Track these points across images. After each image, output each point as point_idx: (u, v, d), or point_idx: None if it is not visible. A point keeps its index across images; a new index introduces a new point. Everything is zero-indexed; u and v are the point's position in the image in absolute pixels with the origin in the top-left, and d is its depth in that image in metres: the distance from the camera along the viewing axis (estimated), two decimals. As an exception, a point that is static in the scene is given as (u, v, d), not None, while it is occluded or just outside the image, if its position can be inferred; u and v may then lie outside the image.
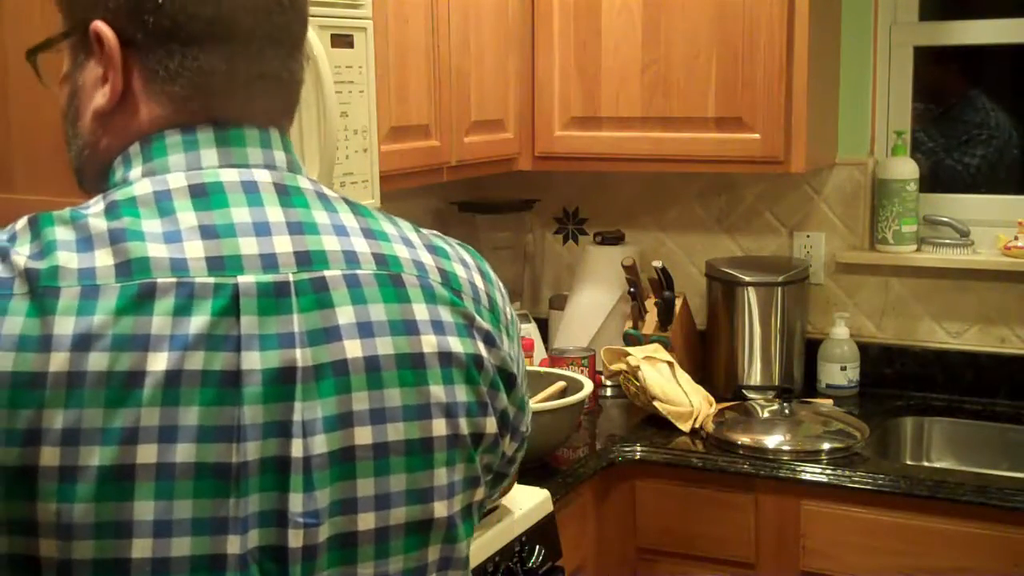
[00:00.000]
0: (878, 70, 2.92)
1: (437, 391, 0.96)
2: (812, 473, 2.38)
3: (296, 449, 0.90)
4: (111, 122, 0.98)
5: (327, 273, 0.93)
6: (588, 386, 2.42)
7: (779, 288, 2.83)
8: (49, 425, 0.84)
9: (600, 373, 2.81)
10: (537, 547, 2.04)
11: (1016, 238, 2.77)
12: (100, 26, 0.95)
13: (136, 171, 0.95)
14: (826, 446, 2.45)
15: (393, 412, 0.94)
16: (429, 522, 0.96)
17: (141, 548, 0.85)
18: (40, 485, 0.84)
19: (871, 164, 2.92)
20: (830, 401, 2.79)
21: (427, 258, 1.00)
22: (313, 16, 1.93)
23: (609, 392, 2.88)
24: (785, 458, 2.43)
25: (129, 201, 0.91)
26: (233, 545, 0.88)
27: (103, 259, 0.87)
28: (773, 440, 2.48)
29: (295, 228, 0.94)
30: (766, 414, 2.61)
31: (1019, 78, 3.02)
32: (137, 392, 0.85)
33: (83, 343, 0.84)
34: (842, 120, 2.93)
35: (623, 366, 2.68)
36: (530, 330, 2.96)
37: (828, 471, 2.38)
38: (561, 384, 2.45)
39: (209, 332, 0.87)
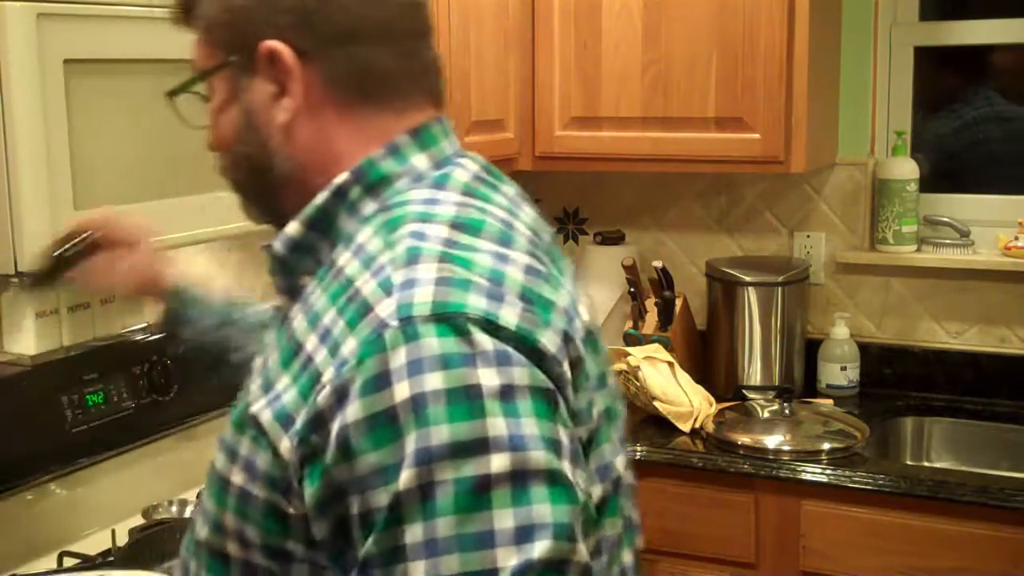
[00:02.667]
0: (878, 70, 2.92)
1: None
2: (812, 473, 2.38)
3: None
4: (298, 133, 1.03)
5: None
6: (588, 386, 2.42)
7: (779, 288, 2.83)
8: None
9: (600, 373, 2.81)
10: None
11: (1016, 238, 2.77)
12: (274, 44, 1.01)
13: (421, 157, 1.04)
14: (826, 446, 2.45)
15: None
16: None
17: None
18: (612, 414, 1.02)
19: (871, 164, 2.92)
20: (830, 401, 2.79)
21: None
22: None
23: (609, 392, 2.87)
24: (785, 458, 2.43)
25: (469, 187, 1.02)
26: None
27: (525, 230, 1.01)
28: (773, 440, 2.48)
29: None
30: (766, 414, 2.61)
31: (1020, 77, 3.02)
32: (594, 341, 1.01)
33: (576, 292, 1.01)
34: (842, 120, 2.93)
35: (623, 366, 2.68)
36: (530, 330, 2.95)
37: (828, 471, 2.38)
38: (561, 384, 2.45)
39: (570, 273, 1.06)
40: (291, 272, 1.05)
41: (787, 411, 2.59)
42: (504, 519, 0.82)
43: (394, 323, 0.86)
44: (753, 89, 2.62)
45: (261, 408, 0.94)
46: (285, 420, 0.90)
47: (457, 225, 0.95)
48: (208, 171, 1.76)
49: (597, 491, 0.96)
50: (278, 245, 1.05)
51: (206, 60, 1.07)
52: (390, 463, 0.83)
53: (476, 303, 0.88)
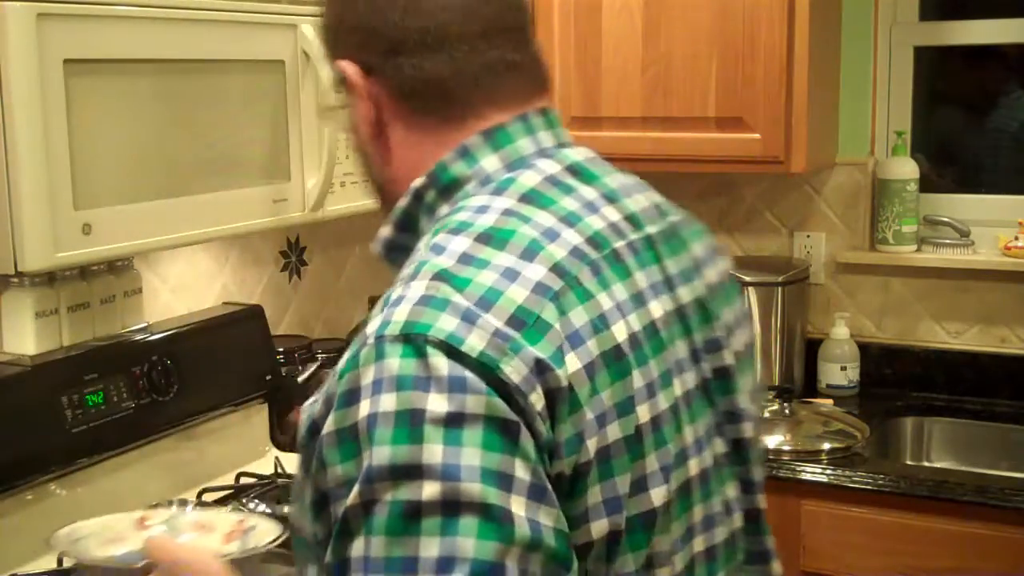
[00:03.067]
0: (878, 70, 2.92)
1: None
2: (812, 473, 2.38)
3: (728, 358, 1.09)
4: (381, 144, 1.09)
5: (672, 219, 1.13)
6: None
7: (779, 288, 2.83)
8: (639, 384, 0.96)
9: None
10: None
11: (1016, 238, 2.77)
12: (342, 64, 1.08)
13: (491, 159, 1.04)
14: (826, 446, 2.45)
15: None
16: None
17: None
18: (645, 442, 0.96)
19: (871, 164, 2.92)
20: (830, 401, 2.79)
21: None
22: (314, 16, 1.94)
23: (609, 392, 2.87)
24: (785, 458, 2.43)
25: (532, 192, 1.01)
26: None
27: (574, 238, 0.98)
28: (773, 440, 2.48)
29: (640, 187, 1.12)
30: (766, 414, 2.60)
31: (1019, 77, 3.02)
32: (663, 335, 1.01)
33: (632, 304, 0.99)
34: (842, 120, 2.93)
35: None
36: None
37: (828, 471, 2.38)
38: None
39: (661, 278, 1.04)
40: (388, 265, 1.10)
41: (787, 411, 2.59)
42: (429, 547, 0.83)
43: (371, 341, 0.89)
44: (753, 89, 2.62)
45: (303, 409, 0.97)
46: (308, 425, 0.93)
47: (483, 237, 0.95)
48: (207, 171, 1.77)
49: (601, 526, 0.92)
50: (375, 246, 1.11)
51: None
52: (353, 476, 0.86)
53: (444, 325, 0.88)
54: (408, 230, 1.07)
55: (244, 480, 2.15)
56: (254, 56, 1.83)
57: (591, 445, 0.91)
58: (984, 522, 2.25)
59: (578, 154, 1.08)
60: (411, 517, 0.83)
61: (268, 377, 2.28)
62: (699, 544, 1.03)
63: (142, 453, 2.03)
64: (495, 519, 0.83)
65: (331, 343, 2.57)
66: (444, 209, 1.04)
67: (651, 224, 1.07)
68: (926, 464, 2.74)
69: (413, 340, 0.87)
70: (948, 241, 2.86)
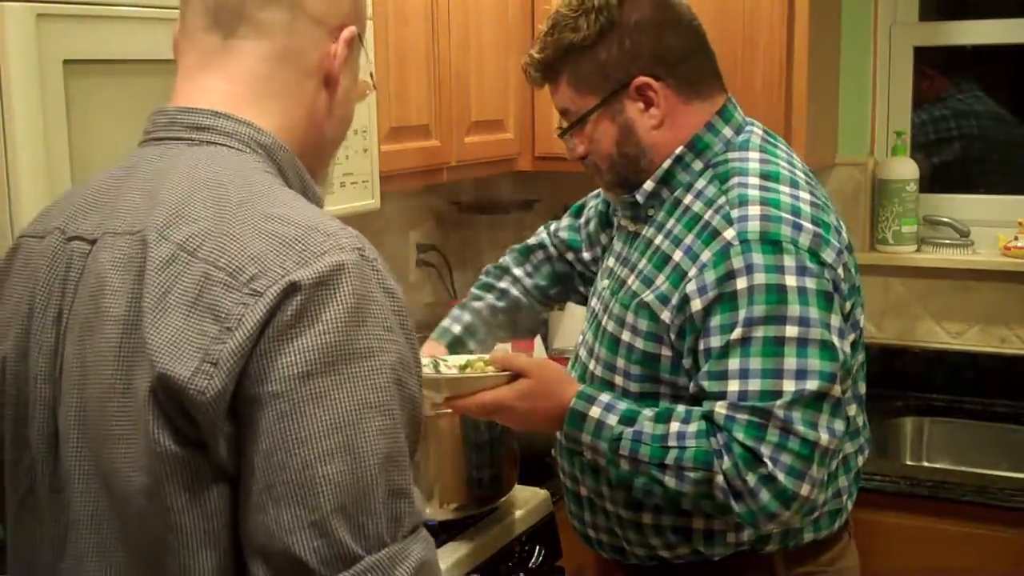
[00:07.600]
0: (878, 70, 2.92)
1: None
2: (812, 473, 2.38)
3: None
4: (661, 129, 1.61)
5: None
6: (588, 386, 2.42)
7: (779, 288, 2.83)
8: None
9: (600, 373, 2.82)
10: (537, 547, 2.04)
11: (1016, 238, 2.77)
12: (644, 79, 1.59)
13: (727, 129, 1.63)
14: (826, 446, 2.44)
15: None
16: None
17: None
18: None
19: (871, 164, 2.92)
20: (830, 401, 2.79)
21: None
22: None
23: (609, 392, 2.87)
24: (785, 458, 2.42)
25: (760, 147, 1.62)
26: None
27: (798, 171, 1.61)
28: (773, 440, 2.47)
29: None
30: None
31: (1019, 77, 3.02)
32: (850, 246, 1.62)
33: (839, 231, 1.59)
34: (842, 120, 2.93)
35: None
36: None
37: (828, 471, 2.37)
38: (561, 384, 2.44)
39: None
40: (639, 209, 1.66)
41: (787, 411, 2.59)
42: (790, 363, 1.43)
43: (736, 243, 1.48)
44: (753, 89, 2.61)
45: (647, 295, 1.56)
46: (664, 300, 1.54)
47: (763, 175, 1.55)
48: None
49: (851, 337, 1.53)
50: (639, 197, 1.65)
51: (580, 103, 1.63)
52: (727, 323, 1.46)
53: (785, 232, 1.48)
54: (664, 183, 1.62)
55: (244, 480, 2.14)
56: (254, 56, 1.83)
57: (853, 291, 1.58)
58: (984, 522, 2.25)
59: (759, 124, 1.68)
60: (777, 345, 1.45)
61: (268, 377, 2.28)
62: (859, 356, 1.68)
63: (142, 453, 2.02)
64: (830, 349, 1.46)
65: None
66: (698, 164, 1.61)
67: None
68: (926, 464, 2.74)
69: (771, 242, 1.47)
70: (948, 241, 2.86)
